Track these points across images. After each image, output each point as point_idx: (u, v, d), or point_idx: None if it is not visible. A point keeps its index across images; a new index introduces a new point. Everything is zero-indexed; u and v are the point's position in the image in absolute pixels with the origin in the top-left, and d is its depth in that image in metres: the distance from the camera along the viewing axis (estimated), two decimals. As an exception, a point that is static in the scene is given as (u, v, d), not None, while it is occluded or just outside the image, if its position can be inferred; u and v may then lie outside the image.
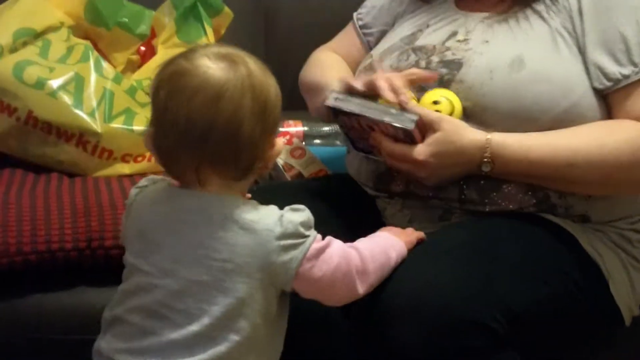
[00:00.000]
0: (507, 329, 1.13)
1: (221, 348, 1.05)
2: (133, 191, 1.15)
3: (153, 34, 1.76)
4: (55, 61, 1.59)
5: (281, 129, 1.83)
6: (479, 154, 1.23)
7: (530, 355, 1.20)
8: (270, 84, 1.08)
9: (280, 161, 1.65)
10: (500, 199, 1.29)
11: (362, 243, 1.16)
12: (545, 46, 1.30)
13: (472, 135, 1.24)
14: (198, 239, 1.06)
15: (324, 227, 1.29)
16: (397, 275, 1.15)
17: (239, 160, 1.05)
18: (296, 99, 2.01)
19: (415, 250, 1.22)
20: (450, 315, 1.10)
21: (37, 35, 1.61)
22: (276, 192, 1.34)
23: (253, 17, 2.08)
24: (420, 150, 1.23)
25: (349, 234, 1.32)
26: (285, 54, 2.07)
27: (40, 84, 1.53)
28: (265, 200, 1.11)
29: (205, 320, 1.04)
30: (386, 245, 1.17)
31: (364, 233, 1.30)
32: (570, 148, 1.24)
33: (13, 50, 1.56)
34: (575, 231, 1.29)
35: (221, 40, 1.77)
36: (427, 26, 1.42)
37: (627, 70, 1.27)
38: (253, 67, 1.06)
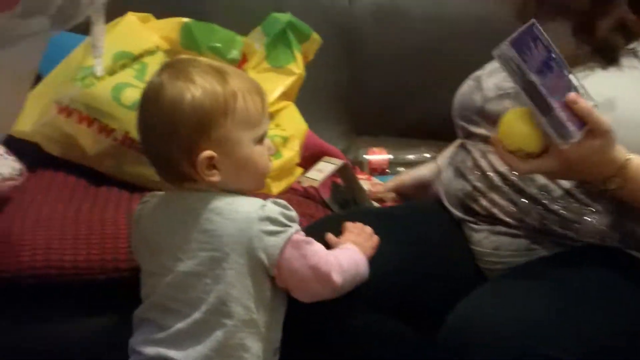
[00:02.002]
0: None
1: (219, 333, 1.15)
2: (137, 207, 1.26)
3: (244, 59, 1.80)
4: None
5: (366, 156, 1.85)
6: (613, 172, 1.19)
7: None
8: (183, 107, 1.13)
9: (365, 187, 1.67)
10: (582, 231, 1.29)
11: (340, 253, 1.23)
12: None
13: (618, 152, 1.19)
14: (190, 234, 1.16)
15: (411, 251, 1.33)
16: (482, 308, 1.17)
17: (169, 165, 1.16)
18: (380, 125, 2.05)
19: (501, 285, 1.25)
20: (529, 350, 1.11)
21: (135, 58, 1.66)
22: (362, 219, 1.36)
23: (340, 43, 2.11)
24: (572, 151, 1.15)
25: (436, 260, 1.34)
26: (370, 80, 2.10)
27: (136, 106, 1.57)
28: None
29: (203, 308, 1.15)
30: (356, 259, 1.24)
31: (450, 259, 1.33)
32: None
33: (112, 72, 1.61)
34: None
35: (308, 65, 1.80)
36: None
37: None
38: (179, 88, 1.14)
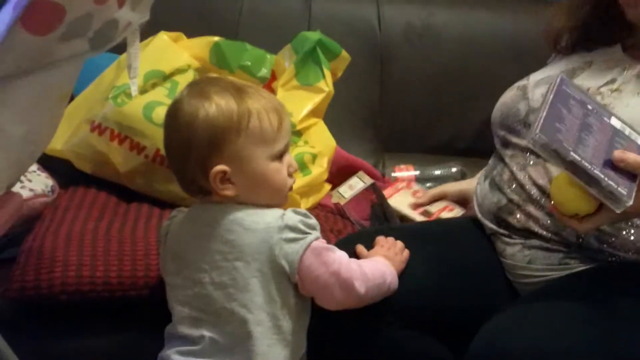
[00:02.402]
0: None
1: (248, 342, 1.17)
2: (165, 223, 1.29)
3: (273, 77, 1.81)
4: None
5: (393, 174, 1.85)
6: None
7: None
8: (197, 123, 1.17)
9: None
10: (619, 246, 1.28)
11: (364, 262, 1.25)
12: None
13: None
14: (213, 246, 1.19)
15: (442, 266, 1.34)
16: (516, 325, 1.16)
17: (188, 179, 1.21)
18: (409, 142, 2.05)
19: (536, 302, 1.24)
20: None
21: (166, 77, 1.68)
22: (393, 234, 1.37)
23: (369, 61, 2.12)
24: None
25: (468, 275, 1.34)
26: (399, 97, 2.11)
27: (166, 124, 1.59)
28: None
29: (231, 318, 1.17)
30: (384, 270, 1.25)
31: (482, 274, 1.32)
32: None
33: (143, 91, 1.63)
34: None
35: (338, 82, 1.81)
36: (591, 64, 1.41)
37: None
38: (195, 106, 1.18)
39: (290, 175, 1.24)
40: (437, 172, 1.87)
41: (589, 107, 1.21)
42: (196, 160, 1.18)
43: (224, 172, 1.17)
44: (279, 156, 1.22)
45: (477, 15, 2.19)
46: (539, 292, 1.30)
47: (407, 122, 1.94)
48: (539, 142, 1.12)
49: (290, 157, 1.24)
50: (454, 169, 1.86)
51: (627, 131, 1.20)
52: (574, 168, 1.13)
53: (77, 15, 0.95)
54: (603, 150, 1.15)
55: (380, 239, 1.34)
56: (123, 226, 1.51)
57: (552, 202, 1.21)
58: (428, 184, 1.86)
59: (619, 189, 1.12)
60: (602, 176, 1.12)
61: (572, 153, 1.12)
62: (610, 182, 1.12)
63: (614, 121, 1.21)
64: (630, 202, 1.12)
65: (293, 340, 1.21)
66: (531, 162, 1.35)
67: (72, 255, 1.40)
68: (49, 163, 1.64)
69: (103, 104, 1.62)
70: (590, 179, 1.12)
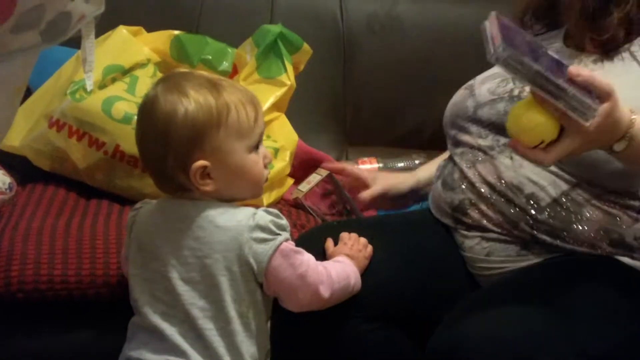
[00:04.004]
0: None
1: (218, 338, 1.18)
2: (131, 214, 1.28)
3: (235, 71, 1.80)
4: (142, 96, 1.63)
5: (357, 167, 1.85)
6: (622, 132, 1.15)
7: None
8: (176, 120, 1.16)
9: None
10: (571, 239, 1.29)
11: (331, 265, 1.25)
12: (635, 87, 1.30)
13: (623, 112, 1.15)
14: (184, 242, 1.18)
15: (404, 260, 1.34)
16: (476, 315, 1.16)
17: (165, 176, 1.19)
18: (372, 135, 2.05)
19: (495, 293, 1.25)
20: (513, 355, 1.10)
21: (125, 71, 1.66)
22: (355, 229, 1.36)
23: (332, 53, 2.11)
24: (590, 123, 1.11)
25: (430, 268, 1.34)
26: (363, 90, 2.10)
27: (127, 119, 1.57)
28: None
29: (201, 314, 1.17)
30: (349, 272, 1.26)
31: (443, 267, 1.32)
32: None
33: (102, 86, 1.61)
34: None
35: (301, 75, 1.81)
36: None
37: None
38: (173, 102, 1.16)
39: (265, 166, 1.25)
40: (401, 165, 1.87)
41: (528, 38, 1.19)
42: (175, 157, 1.17)
43: (204, 167, 1.17)
44: (256, 147, 1.22)
45: (441, 5, 2.18)
46: (498, 283, 1.31)
47: (370, 115, 1.93)
48: (503, 55, 1.08)
49: (264, 148, 1.24)
50: (417, 161, 1.87)
51: (566, 61, 1.17)
52: (539, 81, 1.09)
53: (28, 6, 0.94)
54: (555, 67, 1.13)
55: (344, 236, 1.34)
56: (82, 223, 1.49)
57: (514, 135, 1.15)
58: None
59: (585, 98, 1.10)
60: (568, 85, 1.09)
61: (535, 63, 1.09)
62: (576, 92, 1.09)
63: (550, 52, 1.19)
64: (598, 112, 1.10)
65: (259, 336, 1.22)
66: (480, 159, 1.36)
67: (30, 252, 1.39)
68: (6, 160, 1.62)
69: (61, 100, 1.59)
70: (555, 90, 1.09)
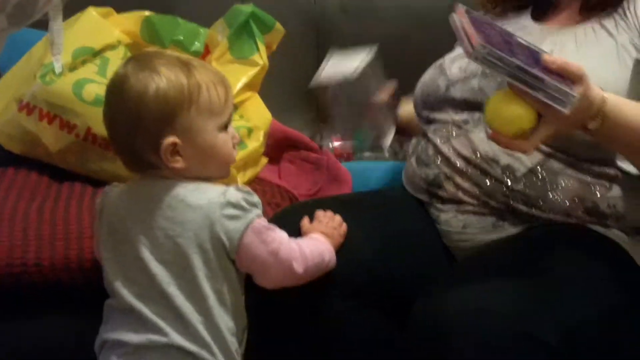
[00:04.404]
0: (564, 344, 1.14)
1: (197, 316, 1.18)
2: (99, 199, 1.28)
3: (207, 51, 1.79)
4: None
5: (330, 145, 1.85)
6: (595, 112, 1.18)
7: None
8: (148, 98, 1.16)
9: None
10: (547, 208, 1.30)
11: (304, 241, 1.25)
12: (607, 59, 1.30)
13: (595, 92, 1.18)
14: (155, 222, 1.19)
15: (380, 237, 1.35)
16: (455, 288, 1.17)
17: (135, 154, 1.19)
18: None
19: (473, 265, 1.25)
20: (509, 332, 1.11)
21: (96, 53, 1.64)
22: (330, 207, 1.37)
23: (305, 33, 2.11)
24: (567, 109, 1.14)
25: (405, 244, 1.35)
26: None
27: (98, 101, 1.54)
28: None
29: (178, 292, 1.17)
30: (323, 248, 1.26)
31: (419, 242, 1.32)
32: None
33: (73, 68, 1.59)
34: (628, 245, 1.30)
35: (274, 56, 1.80)
36: None
37: None
38: (144, 80, 1.17)
39: (233, 146, 1.25)
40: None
41: (498, 29, 1.21)
42: (146, 134, 1.17)
43: (175, 145, 1.17)
44: (225, 127, 1.22)
45: (415, -16, 2.18)
46: (475, 256, 1.32)
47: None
48: (482, 53, 1.10)
49: (233, 129, 1.25)
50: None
51: (535, 48, 1.20)
52: (516, 74, 1.11)
53: (-7, -11, 0.93)
54: (530, 57, 1.15)
55: (319, 214, 1.34)
56: (55, 206, 1.48)
57: (491, 128, 1.17)
58: (366, 154, 1.86)
59: (562, 86, 1.12)
60: (545, 75, 1.11)
61: (514, 58, 1.11)
62: (553, 81, 1.11)
63: (520, 40, 1.21)
64: (577, 97, 1.12)
65: (236, 311, 1.23)
66: (454, 134, 1.36)
67: (3, 237, 1.37)
68: (-24, 144, 1.60)
69: (31, 83, 1.57)
70: (533, 82, 1.11)
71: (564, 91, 1.11)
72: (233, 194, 1.19)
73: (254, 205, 1.20)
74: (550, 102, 1.11)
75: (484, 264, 1.25)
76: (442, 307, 1.14)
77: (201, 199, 1.18)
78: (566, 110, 1.11)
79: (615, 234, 1.31)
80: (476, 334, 1.10)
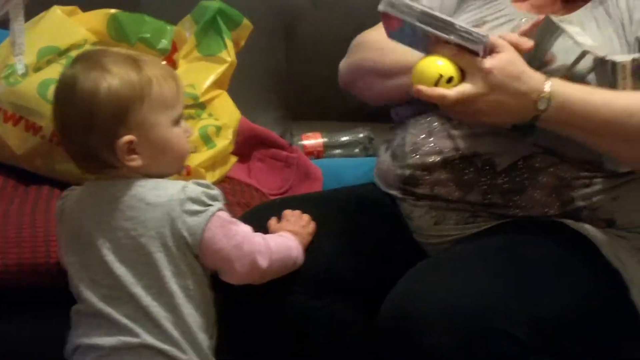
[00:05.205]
0: (534, 338, 1.14)
1: (166, 314, 1.18)
2: (59, 202, 1.27)
3: (174, 49, 1.77)
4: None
5: (300, 142, 1.84)
6: (538, 87, 1.19)
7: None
8: (100, 97, 1.15)
9: None
10: (524, 202, 1.30)
11: (269, 236, 1.25)
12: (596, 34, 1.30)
13: (532, 70, 1.20)
14: (116, 223, 1.18)
15: (349, 235, 1.35)
16: (426, 283, 1.17)
17: (90, 155, 1.19)
18: (317, 110, 2.04)
19: (444, 259, 1.25)
20: (478, 324, 1.11)
21: (61, 53, 1.63)
22: (299, 206, 1.36)
23: (274, 28, 2.09)
24: (486, 60, 1.18)
25: (376, 242, 1.34)
26: (306, 64, 2.09)
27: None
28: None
29: (145, 292, 1.17)
30: (290, 244, 1.26)
31: (390, 239, 1.32)
32: (632, 97, 1.23)
33: (37, 69, 1.58)
34: (598, 238, 1.30)
35: (242, 52, 1.79)
36: (484, 23, 1.41)
37: None
38: (95, 79, 1.16)
39: (187, 140, 1.25)
40: (345, 139, 1.88)
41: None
42: (100, 134, 1.16)
43: (130, 142, 1.16)
44: (178, 121, 1.22)
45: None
46: (447, 251, 1.31)
47: (314, 90, 1.92)
48: (392, 2, 1.17)
49: (185, 123, 1.25)
50: (361, 135, 1.87)
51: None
52: (426, 19, 1.16)
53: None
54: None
55: (287, 213, 1.33)
56: (22, 209, 1.46)
57: (414, 84, 1.19)
58: (336, 151, 1.86)
59: (473, 29, 1.17)
60: (454, 20, 1.17)
61: (420, 5, 1.18)
62: (464, 24, 1.16)
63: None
64: (488, 37, 1.16)
65: (204, 307, 1.22)
66: (435, 129, 1.35)
67: (-31, 240, 1.36)
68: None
69: (-5, 84, 1.56)
70: (444, 25, 1.16)
71: (475, 32, 1.16)
72: (192, 189, 1.18)
73: (214, 198, 1.20)
74: (462, 42, 1.15)
75: (454, 259, 1.25)
76: (412, 303, 1.14)
77: (161, 197, 1.17)
78: (478, 47, 1.15)
79: (586, 227, 1.31)
80: (447, 330, 1.10)
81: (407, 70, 1.26)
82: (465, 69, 1.18)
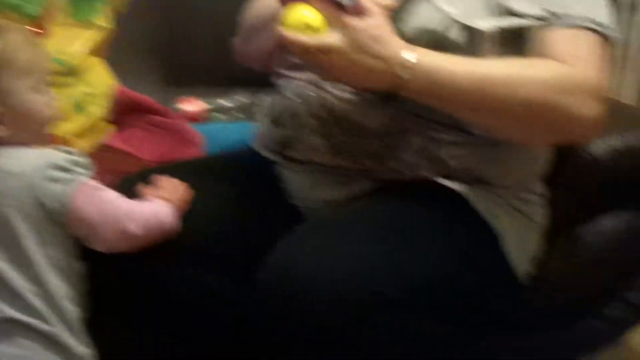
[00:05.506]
0: (411, 298, 1.16)
1: (29, 287, 1.15)
2: None
3: (46, 15, 1.71)
4: None
5: (182, 107, 1.82)
6: (400, 54, 1.16)
7: (436, 321, 1.22)
8: None
9: None
10: (396, 165, 1.31)
11: (138, 203, 1.23)
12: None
13: (398, 39, 1.19)
14: None
15: (227, 201, 1.35)
16: (302, 247, 1.17)
17: None
18: (199, 75, 2.01)
19: (321, 224, 1.25)
20: (355, 287, 1.12)
21: None
22: (175, 173, 1.34)
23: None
24: (353, 18, 1.16)
25: (254, 207, 1.33)
26: (188, 30, 2.06)
27: None
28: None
29: (8, 266, 1.15)
30: (159, 210, 1.23)
31: (268, 205, 1.32)
32: (496, 65, 1.22)
33: None
34: (471, 195, 1.32)
35: (122, 17, 1.74)
36: None
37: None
38: None
39: (51, 108, 1.23)
40: (227, 104, 1.85)
41: None
42: None
43: None
44: (39, 88, 1.20)
45: None
46: (324, 216, 1.31)
47: (196, 55, 1.89)
48: None
49: (50, 90, 1.23)
50: (244, 99, 1.85)
51: None
52: None
53: None
54: None
55: (160, 180, 1.31)
56: None
57: (283, 35, 1.18)
58: (219, 116, 1.84)
59: None
60: None
61: None
62: None
63: None
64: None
65: (74, 277, 1.20)
66: (311, 94, 1.35)
67: None
68: None
69: None
70: None
71: None
72: (54, 155, 1.16)
73: (80, 165, 1.18)
74: None
75: (331, 223, 1.25)
76: (288, 268, 1.14)
77: (22, 165, 1.15)
78: (348, 4, 1.14)
79: (459, 185, 1.32)
80: (326, 294, 1.11)
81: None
82: (330, 22, 1.16)
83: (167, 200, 1.26)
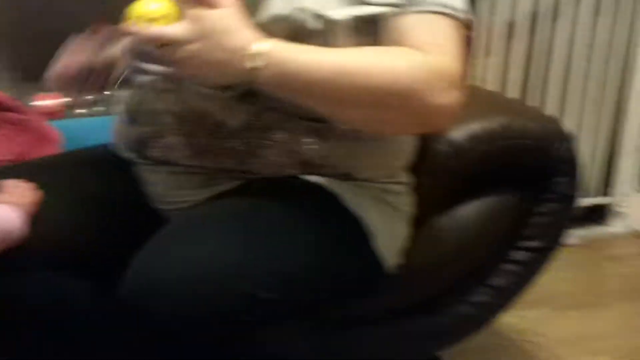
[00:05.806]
0: (286, 296, 1.15)
1: None
2: None
3: None
4: None
5: (36, 103, 1.74)
6: (248, 44, 1.12)
7: (308, 316, 1.21)
8: None
9: None
10: (259, 164, 1.28)
11: None
12: None
13: (249, 30, 1.14)
14: None
15: (82, 202, 1.29)
16: (163, 253, 1.13)
17: None
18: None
19: (183, 226, 1.21)
20: (229, 296, 1.09)
21: None
22: (25, 174, 1.27)
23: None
24: (198, 8, 1.11)
25: (111, 210, 1.29)
26: (39, 22, 1.97)
27: None
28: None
29: None
30: (4, 216, 1.17)
31: (126, 206, 1.27)
32: (342, 55, 1.18)
33: None
34: (338, 189, 1.31)
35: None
36: None
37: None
38: None
39: None
40: (88, 97, 1.78)
41: None
42: None
43: None
44: None
45: None
46: (186, 218, 1.27)
47: (48, 49, 1.81)
48: None
49: None
50: (106, 92, 1.78)
51: None
52: None
53: None
54: None
55: (5, 183, 1.24)
56: None
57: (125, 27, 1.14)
58: (80, 111, 1.77)
59: None
60: None
61: None
62: None
63: None
64: None
65: None
66: (166, 88, 1.31)
67: None
68: None
69: None
70: None
71: None
72: None
73: None
74: None
75: (193, 226, 1.21)
76: (150, 278, 1.10)
77: None
78: None
79: (326, 180, 1.31)
80: (187, 297, 1.08)
81: None
82: (179, 14, 1.11)
83: (13, 203, 1.20)
